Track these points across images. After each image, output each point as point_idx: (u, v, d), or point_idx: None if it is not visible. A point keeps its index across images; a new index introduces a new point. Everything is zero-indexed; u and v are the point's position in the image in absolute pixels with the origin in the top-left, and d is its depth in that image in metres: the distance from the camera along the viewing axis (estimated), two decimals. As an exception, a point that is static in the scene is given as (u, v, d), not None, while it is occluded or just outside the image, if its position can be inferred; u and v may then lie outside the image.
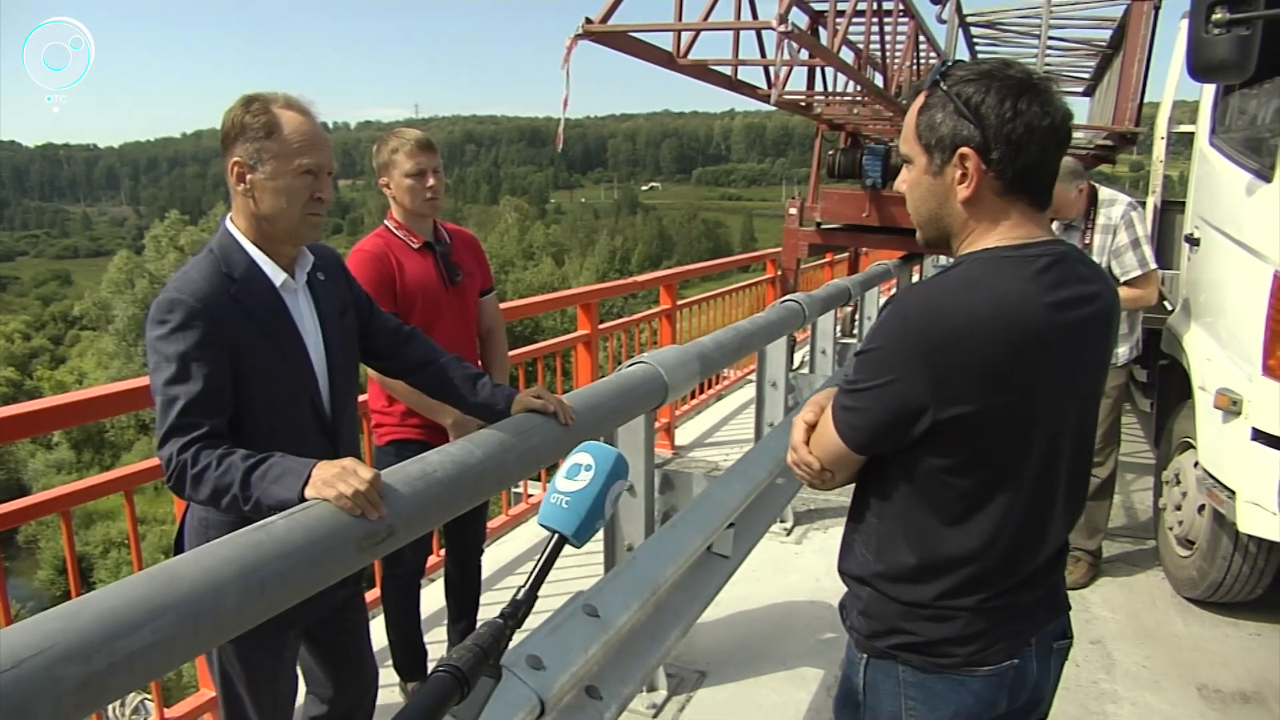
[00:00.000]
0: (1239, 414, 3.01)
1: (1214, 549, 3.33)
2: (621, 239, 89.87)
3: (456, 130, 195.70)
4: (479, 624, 0.89)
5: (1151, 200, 5.40)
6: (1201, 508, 3.43)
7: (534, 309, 5.41)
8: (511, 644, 0.91)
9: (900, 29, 5.98)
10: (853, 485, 1.40)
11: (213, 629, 1.17)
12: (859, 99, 6.17)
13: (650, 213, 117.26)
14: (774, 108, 5.94)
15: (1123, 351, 3.66)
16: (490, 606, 2.99)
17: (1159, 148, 5.59)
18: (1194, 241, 3.75)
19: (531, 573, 0.93)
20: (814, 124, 7.30)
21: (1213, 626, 3.45)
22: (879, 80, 6.09)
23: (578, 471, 0.97)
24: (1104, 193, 3.65)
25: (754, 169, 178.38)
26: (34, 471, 31.60)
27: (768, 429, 4.15)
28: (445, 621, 2.99)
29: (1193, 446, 3.41)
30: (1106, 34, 7.68)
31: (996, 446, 1.22)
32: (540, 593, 0.93)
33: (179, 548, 1.73)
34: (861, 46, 5.50)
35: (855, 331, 7.15)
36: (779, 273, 7.24)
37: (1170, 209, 5.26)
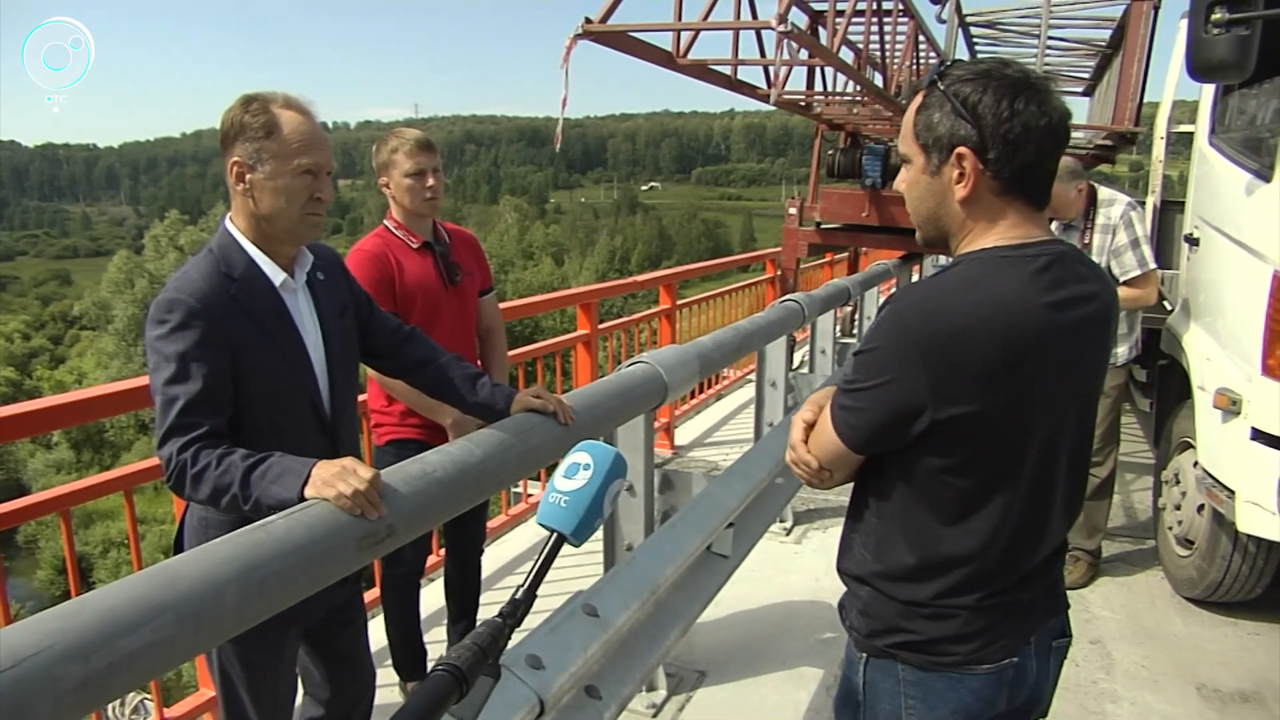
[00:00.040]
0: (1238, 414, 3.01)
1: (1213, 549, 3.33)
2: (621, 239, 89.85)
3: (456, 130, 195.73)
4: (478, 624, 0.89)
5: (1151, 200, 5.40)
6: (1201, 507, 3.44)
7: (533, 309, 5.41)
8: (511, 643, 0.91)
9: (900, 29, 5.98)
10: (851, 484, 1.40)
11: (212, 628, 1.17)
12: (859, 99, 6.17)
13: (650, 213, 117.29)
14: (774, 108, 5.94)
15: (1122, 351, 3.66)
16: (490, 606, 2.99)
17: (1158, 148, 5.59)
18: (1193, 241, 3.75)
19: (530, 572, 0.93)
20: (814, 124, 7.30)
21: (1212, 626, 3.45)
22: (878, 80, 6.10)
23: (576, 471, 0.97)
24: (1103, 192, 3.65)
25: (754, 169, 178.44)
26: (33, 471, 31.59)
27: (767, 429, 4.15)
28: (445, 621, 3.00)
29: (1192, 446, 3.41)
30: (1106, 34, 7.68)
31: (995, 446, 1.22)
32: (540, 592, 0.93)
33: (179, 547, 1.73)
34: (861, 46, 5.50)
35: (855, 331, 7.15)
36: (779, 273, 7.24)
37: (1170, 209, 5.26)
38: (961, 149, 1.21)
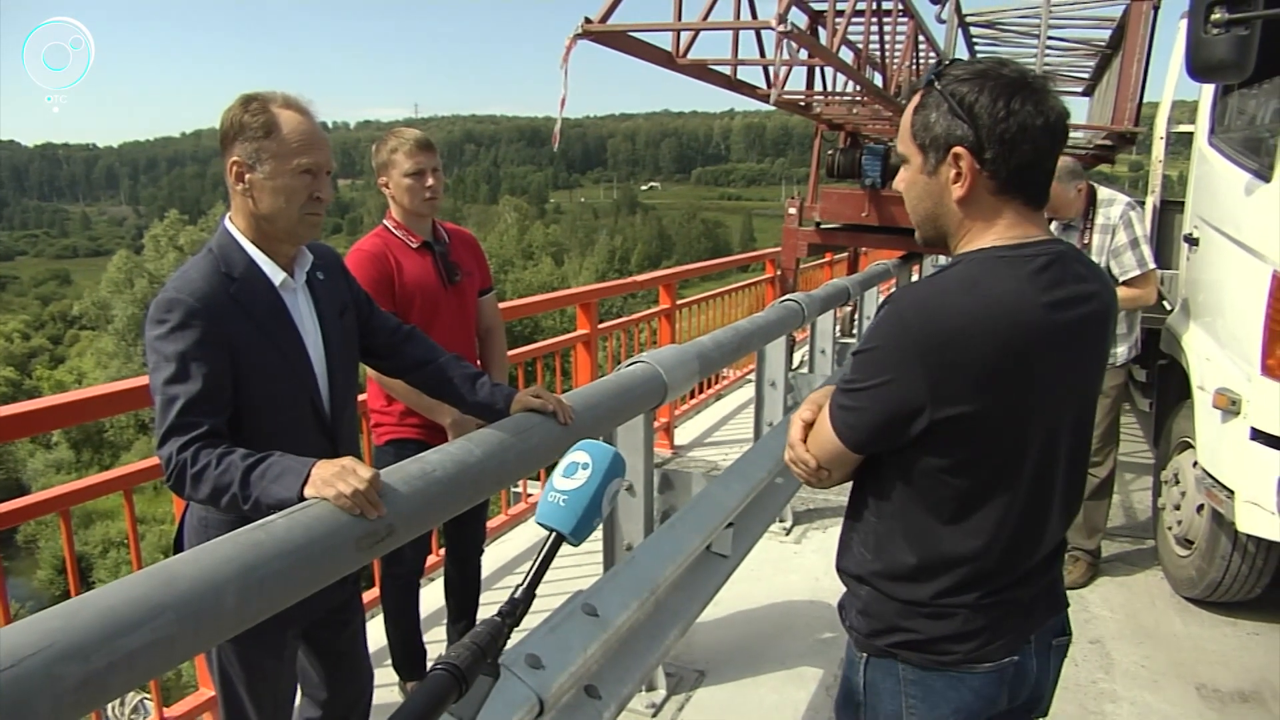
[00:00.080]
0: (1238, 414, 3.02)
1: (1213, 549, 3.33)
2: (621, 239, 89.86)
3: (456, 130, 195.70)
4: (478, 623, 0.89)
5: (1150, 200, 5.40)
6: (1200, 507, 3.44)
7: (533, 309, 5.42)
8: (511, 643, 0.91)
9: (900, 29, 5.98)
10: (850, 484, 1.40)
11: (212, 628, 1.17)
12: (858, 99, 6.17)
13: (649, 212, 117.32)
14: (773, 107, 5.94)
15: (1121, 351, 3.66)
16: (490, 606, 2.99)
17: (1158, 148, 5.59)
18: (1193, 241, 3.75)
19: (529, 571, 0.93)
20: (813, 124, 7.30)
21: (1211, 626, 3.45)
22: (878, 80, 6.10)
23: (575, 470, 0.97)
24: (1103, 192, 3.65)
25: (753, 169, 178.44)
26: (33, 471, 31.59)
27: (767, 428, 4.16)
28: (445, 621, 3.00)
29: (1192, 446, 3.41)
30: (1106, 34, 7.67)
31: (994, 446, 1.22)
32: (539, 592, 0.93)
33: (178, 547, 1.73)
34: (861, 46, 5.50)
35: (854, 331, 7.15)
36: (778, 272, 7.23)
37: (1169, 209, 5.26)
38: (958, 149, 1.21)
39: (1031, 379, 1.21)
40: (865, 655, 1.37)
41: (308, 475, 1.43)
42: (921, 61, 6.65)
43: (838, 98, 6.22)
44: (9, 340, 49.00)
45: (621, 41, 4.05)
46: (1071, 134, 7.59)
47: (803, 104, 6.39)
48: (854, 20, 5.16)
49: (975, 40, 8.58)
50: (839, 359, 5.56)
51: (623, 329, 6.03)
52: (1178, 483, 3.67)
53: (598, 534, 2.15)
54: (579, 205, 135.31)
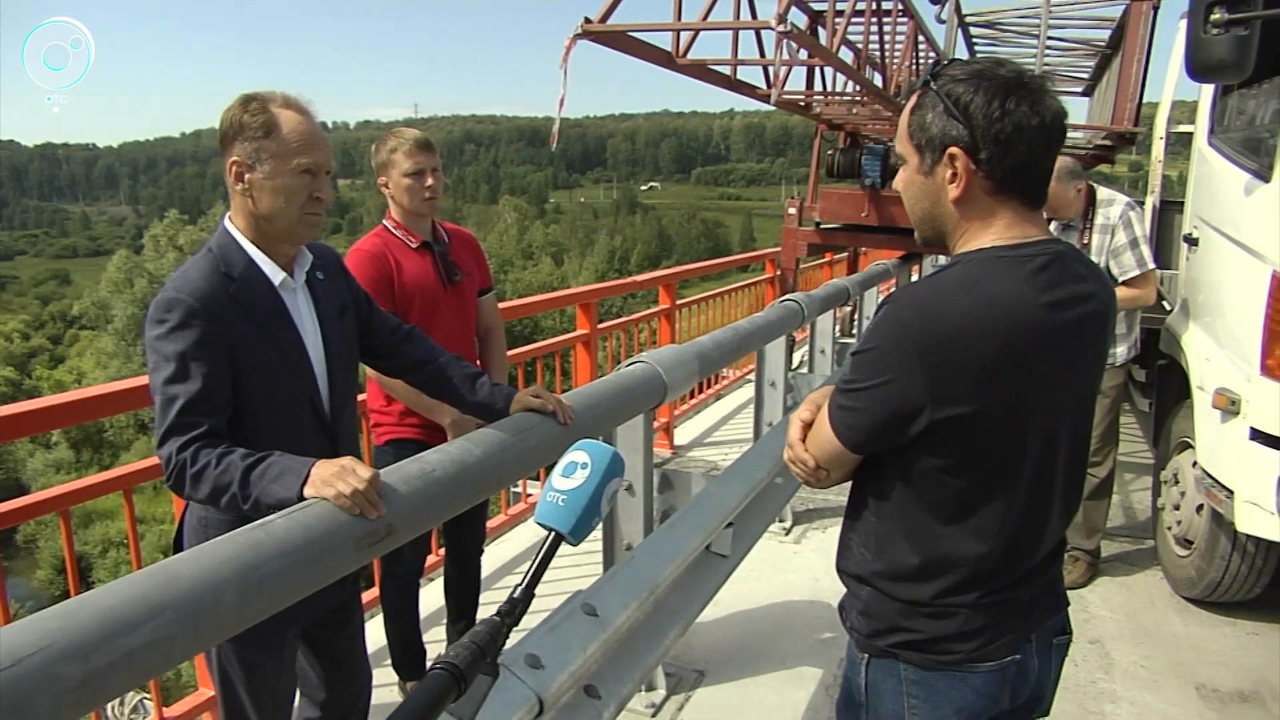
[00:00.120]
0: (1237, 414, 3.02)
1: (1212, 549, 3.33)
2: (621, 239, 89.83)
3: (456, 130, 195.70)
4: (477, 623, 0.89)
5: (1150, 200, 5.41)
6: (1200, 507, 3.44)
7: (533, 309, 5.42)
8: (511, 643, 0.91)
9: (899, 29, 5.98)
10: (850, 484, 1.40)
11: (211, 628, 1.17)
12: (858, 99, 6.18)
13: (649, 212, 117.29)
14: (773, 107, 5.94)
15: (1121, 351, 3.66)
16: (489, 606, 2.99)
17: (1158, 148, 5.60)
18: (1192, 241, 3.75)
19: (528, 571, 0.93)
20: (813, 124, 7.30)
21: (1211, 626, 3.45)
22: (878, 80, 6.10)
23: (574, 469, 0.97)
24: (1102, 193, 3.65)
25: (753, 169, 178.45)
26: (33, 471, 31.58)
27: (766, 428, 4.16)
28: (444, 621, 3.00)
29: (1191, 446, 3.41)
30: (1105, 34, 7.68)
31: (993, 446, 1.23)
32: (539, 592, 0.93)
33: (178, 547, 1.73)
34: (860, 46, 5.50)
35: (854, 331, 7.16)
36: (778, 272, 7.23)
37: (1169, 209, 5.26)
38: (953, 149, 1.21)
39: (1031, 379, 1.21)
40: (866, 656, 1.37)
41: (307, 475, 1.43)
42: (921, 61, 6.65)
43: (838, 98, 6.23)
44: (9, 340, 48.98)
45: (621, 41, 4.05)
46: (1071, 134, 7.61)
47: (803, 104, 6.39)
48: (854, 20, 5.16)
49: (975, 40, 8.58)
50: (839, 359, 5.56)
51: (622, 329, 6.03)
52: (1177, 483, 3.67)
53: (597, 534, 2.15)
54: (579, 205, 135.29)
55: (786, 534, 4.28)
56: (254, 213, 1.66)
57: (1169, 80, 5.35)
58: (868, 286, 6.30)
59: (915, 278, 7.42)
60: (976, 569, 1.26)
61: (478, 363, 2.75)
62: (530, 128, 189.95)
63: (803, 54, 4.58)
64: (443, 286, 2.57)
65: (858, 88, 5.84)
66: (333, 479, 1.40)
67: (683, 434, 6.07)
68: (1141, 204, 4.64)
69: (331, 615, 1.88)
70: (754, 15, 4.31)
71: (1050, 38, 7.76)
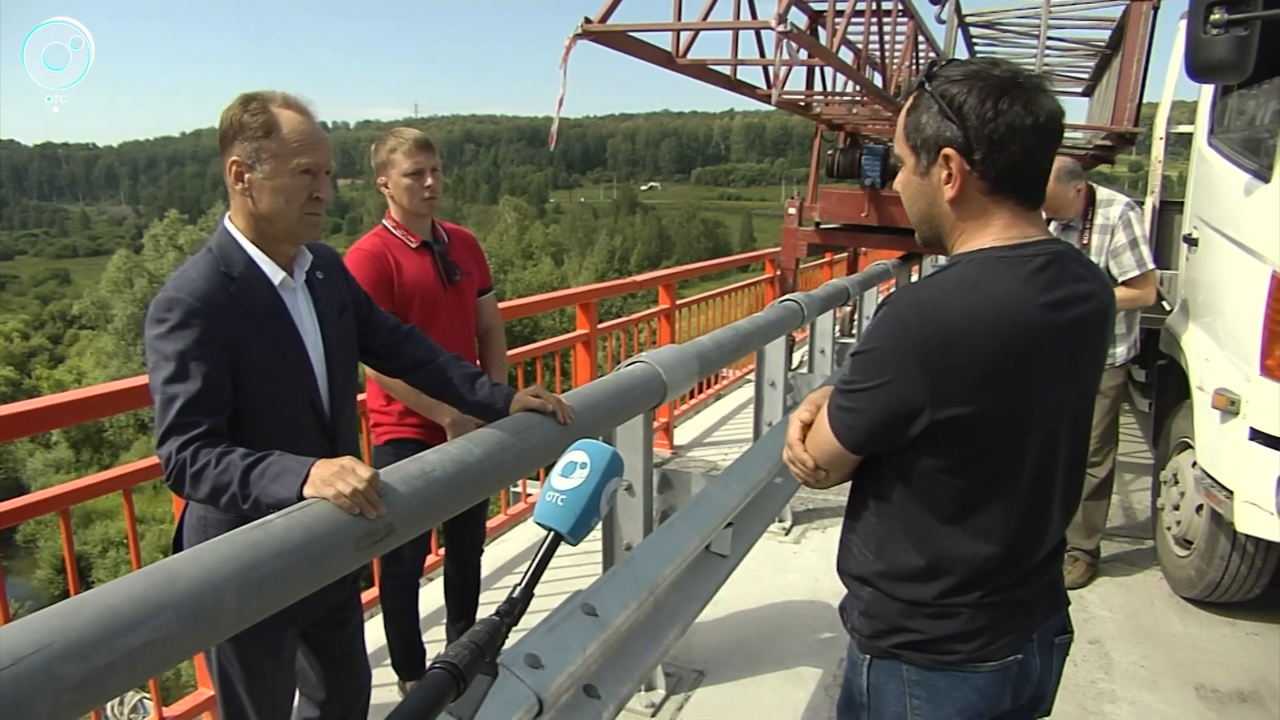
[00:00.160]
0: (1237, 414, 3.02)
1: (1212, 549, 3.33)
2: (620, 239, 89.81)
3: (455, 130, 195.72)
4: (477, 623, 0.89)
5: (1150, 200, 5.41)
6: (1199, 508, 3.44)
7: (533, 308, 5.42)
8: (510, 643, 0.91)
9: (899, 29, 5.98)
10: (850, 484, 1.40)
11: (211, 627, 1.17)
12: (858, 99, 6.17)
13: (649, 212, 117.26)
14: (773, 107, 5.94)
15: (1121, 351, 3.67)
16: (489, 606, 2.99)
17: (1158, 148, 5.60)
18: (1192, 242, 3.75)
19: (528, 570, 0.93)
20: (813, 124, 7.30)
21: (1210, 626, 3.45)
22: (878, 80, 6.10)
23: (573, 469, 0.97)
24: (1102, 193, 3.65)
25: (753, 169, 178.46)
26: (33, 470, 31.57)
27: (766, 429, 4.16)
28: (444, 621, 3.00)
29: (1191, 446, 3.41)
30: (1105, 34, 7.67)
31: (993, 446, 1.23)
32: (539, 592, 0.93)
33: (178, 546, 1.73)
34: (860, 46, 5.50)
35: (854, 331, 7.16)
36: (778, 272, 7.23)
37: (1169, 209, 5.27)
38: (948, 150, 1.21)
39: (1031, 379, 1.21)
40: (868, 657, 1.36)
41: (307, 475, 1.43)
42: (921, 61, 6.64)
43: (838, 98, 6.22)
44: (9, 340, 48.98)
45: (621, 41, 4.05)
46: (1071, 134, 7.60)
47: (803, 104, 6.39)
48: (854, 20, 5.16)
49: (975, 40, 8.58)
50: (838, 359, 5.56)
51: (622, 329, 6.03)
52: (1177, 483, 3.67)
53: (597, 534, 2.15)
54: (579, 205, 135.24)
55: (786, 534, 4.28)
56: (254, 212, 1.66)
57: (1169, 80, 5.35)
58: (868, 286, 6.30)
59: (915, 278, 7.43)
60: (978, 569, 1.26)
61: (477, 363, 2.75)
62: (530, 128, 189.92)
63: (803, 54, 4.57)
64: (442, 286, 2.57)
65: (858, 88, 5.84)
66: (332, 479, 1.40)
67: (682, 434, 6.07)
68: (1141, 204, 4.64)
69: (331, 615, 1.88)
70: (754, 15, 4.31)
71: (1050, 38, 7.76)
